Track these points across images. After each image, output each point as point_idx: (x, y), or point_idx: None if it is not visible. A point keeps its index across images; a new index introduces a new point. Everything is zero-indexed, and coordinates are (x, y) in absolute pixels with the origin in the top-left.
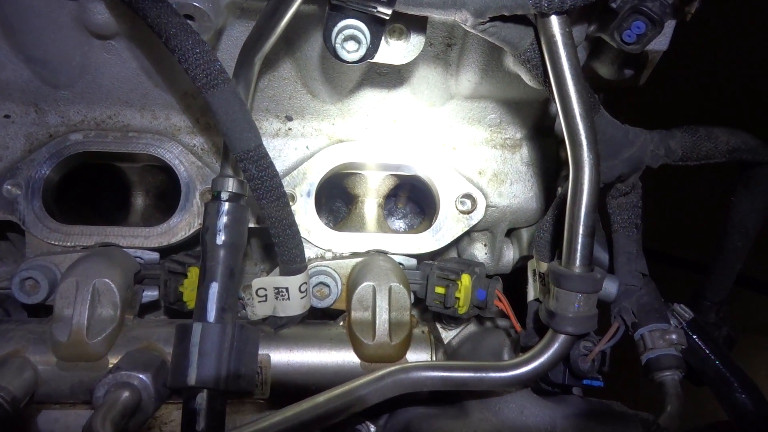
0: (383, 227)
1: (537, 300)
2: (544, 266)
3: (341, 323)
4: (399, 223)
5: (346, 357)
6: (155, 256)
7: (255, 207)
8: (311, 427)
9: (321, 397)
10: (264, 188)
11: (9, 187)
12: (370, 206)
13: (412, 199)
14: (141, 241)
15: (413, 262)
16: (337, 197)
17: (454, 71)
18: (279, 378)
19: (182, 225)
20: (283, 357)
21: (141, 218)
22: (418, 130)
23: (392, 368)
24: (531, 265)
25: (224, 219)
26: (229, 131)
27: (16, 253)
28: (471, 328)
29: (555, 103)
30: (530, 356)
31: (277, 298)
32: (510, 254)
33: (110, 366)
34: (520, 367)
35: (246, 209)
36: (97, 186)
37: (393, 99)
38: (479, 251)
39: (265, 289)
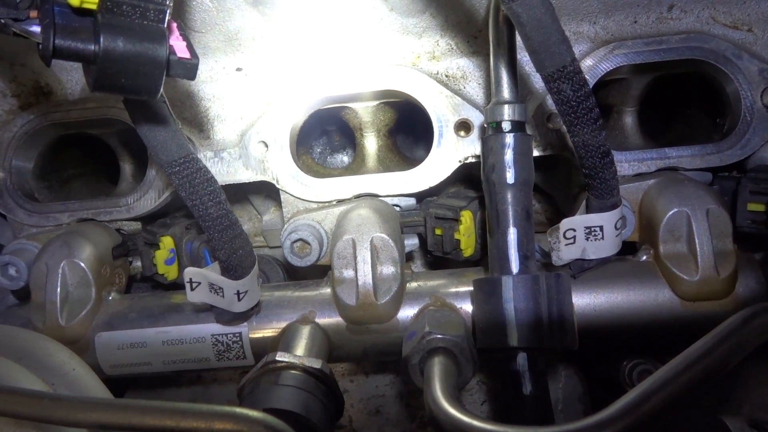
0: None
1: None
2: None
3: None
4: None
5: (661, 296)
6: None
7: None
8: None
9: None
10: (580, 110)
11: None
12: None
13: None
14: (399, 188)
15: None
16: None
17: None
18: (584, 326)
19: (440, 165)
20: (588, 302)
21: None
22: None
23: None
24: None
25: (511, 153)
26: (540, 46)
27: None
28: None
29: None
30: None
31: (588, 238)
32: None
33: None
34: None
35: (531, 138)
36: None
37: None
38: None
39: (574, 230)
